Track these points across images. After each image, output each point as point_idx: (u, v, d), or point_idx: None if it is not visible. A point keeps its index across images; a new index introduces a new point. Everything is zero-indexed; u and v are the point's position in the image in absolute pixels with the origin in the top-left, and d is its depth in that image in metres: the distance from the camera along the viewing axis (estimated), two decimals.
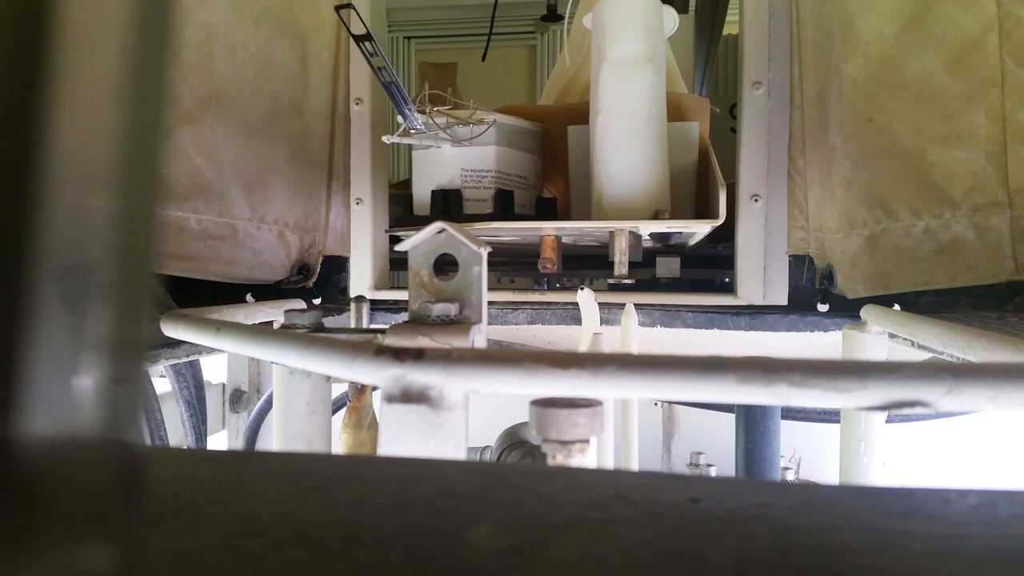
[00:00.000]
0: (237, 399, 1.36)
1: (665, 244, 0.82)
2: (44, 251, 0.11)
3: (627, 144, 0.74)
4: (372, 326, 0.65)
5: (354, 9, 0.64)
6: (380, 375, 0.29)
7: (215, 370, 1.34)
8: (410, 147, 0.85)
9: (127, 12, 0.13)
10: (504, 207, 0.81)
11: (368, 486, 0.19)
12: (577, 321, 0.77)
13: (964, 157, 0.62)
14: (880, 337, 0.61)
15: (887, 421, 0.68)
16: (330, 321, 0.60)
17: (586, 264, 1.05)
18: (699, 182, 0.84)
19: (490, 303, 0.64)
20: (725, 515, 0.17)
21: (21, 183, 0.11)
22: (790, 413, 1.06)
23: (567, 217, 0.88)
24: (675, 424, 1.29)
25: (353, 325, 0.63)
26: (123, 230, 0.13)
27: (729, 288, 0.85)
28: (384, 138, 0.80)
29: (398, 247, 0.53)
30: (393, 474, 0.20)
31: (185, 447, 0.85)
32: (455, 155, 0.81)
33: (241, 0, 0.75)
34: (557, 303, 0.80)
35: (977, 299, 0.65)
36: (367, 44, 0.63)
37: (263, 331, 0.40)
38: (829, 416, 1.05)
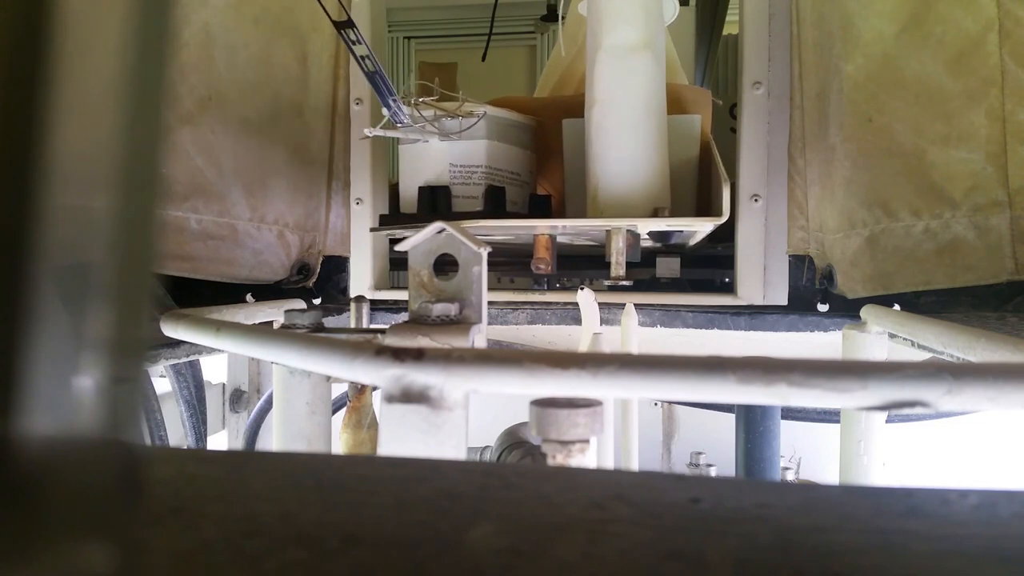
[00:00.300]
0: (237, 399, 1.36)
1: (665, 243, 0.81)
2: (44, 251, 0.11)
3: (624, 136, 0.70)
4: (372, 326, 0.65)
5: None
6: (380, 375, 0.29)
7: (215, 370, 1.34)
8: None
9: (127, 12, 0.13)
10: (495, 204, 0.76)
11: (368, 486, 0.19)
12: (577, 321, 0.76)
13: (964, 157, 0.62)
14: (880, 337, 0.61)
15: (887, 421, 0.68)
16: (330, 321, 0.60)
17: (585, 264, 1.04)
18: (700, 178, 0.80)
19: (490, 303, 0.64)
20: (725, 515, 0.17)
21: (21, 183, 0.11)
22: (790, 413, 1.06)
23: (562, 215, 0.84)
24: (675, 424, 1.29)
25: (353, 325, 0.63)
26: (123, 230, 0.13)
27: (729, 288, 0.85)
28: (366, 131, 0.74)
29: (398, 247, 0.53)
30: (393, 474, 0.20)
31: (185, 447, 0.85)
32: (443, 149, 0.76)
33: (241, 0, 0.75)
34: (557, 303, 0.80)
35: (977, 299, 0.65)
36: (349, 31, 0.59)
37: (263, 331, 0.40)
38: (829, 416, 1.05)
